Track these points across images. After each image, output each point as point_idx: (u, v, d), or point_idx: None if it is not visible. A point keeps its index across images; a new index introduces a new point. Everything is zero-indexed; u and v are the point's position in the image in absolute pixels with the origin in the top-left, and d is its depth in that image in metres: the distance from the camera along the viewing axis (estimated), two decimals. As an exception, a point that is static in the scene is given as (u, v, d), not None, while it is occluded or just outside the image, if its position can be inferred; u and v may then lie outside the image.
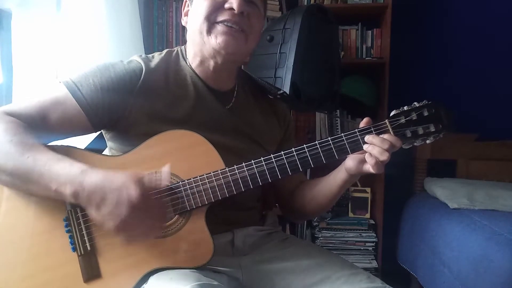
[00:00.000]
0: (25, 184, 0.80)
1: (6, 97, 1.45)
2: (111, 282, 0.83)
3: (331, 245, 2.16)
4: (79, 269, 0.83)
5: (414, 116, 0.90)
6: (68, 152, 0.87)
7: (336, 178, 1.00)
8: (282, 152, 0.90)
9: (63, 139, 0.94)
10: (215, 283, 0.80)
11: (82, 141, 1.06)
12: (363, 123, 0.91)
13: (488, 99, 2.34)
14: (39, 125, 0.87)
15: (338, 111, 2.23)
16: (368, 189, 2.23)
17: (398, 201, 2.23)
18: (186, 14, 1.05)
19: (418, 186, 2.26)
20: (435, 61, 2.41)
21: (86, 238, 0.84)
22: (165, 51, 1.06)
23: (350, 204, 2.24)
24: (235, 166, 0.89)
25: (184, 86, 1.00)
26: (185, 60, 1.04)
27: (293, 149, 0.90)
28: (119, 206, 0.74)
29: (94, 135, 1.06)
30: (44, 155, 0.79)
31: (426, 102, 0.91)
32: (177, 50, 1.06)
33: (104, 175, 0.77)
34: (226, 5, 0.94)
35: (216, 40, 0.95)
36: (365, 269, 1.11)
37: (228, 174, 0.88)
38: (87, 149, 0.98)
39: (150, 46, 2.19)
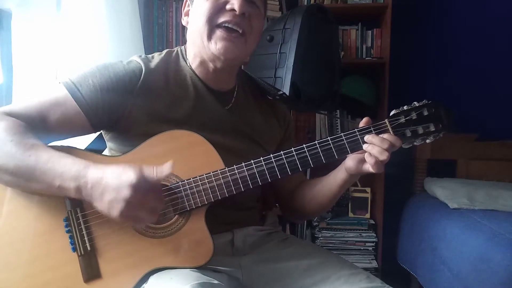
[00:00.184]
0: (28, 183, 0.80)
1: (6, 97, 1.45)
2: (111, 282, 0.84)
3: (331, 245, 2.16)
4: (79, 269, 0.83)
5: (414, 115, 0.90)
6: (68, 152, 0.87)
7: (336, 178, 1.00)
8: (282, 152, 0.90)
9: (63, 140, 0.94)
10: (215, 282, 0.80)
11: (82, 142, 1.06)
12: (362, 122, 0.92)
13: (488, 99, 2.34)
14: (39, 126, 0.87)
15: (338, 111, 2.23)
16: (368, 189, 2.23)
17: (398, 201, 2.22)
18: (187, 14, 1.05)
19: (418, 186, 2.26)
20: (435, 61, 2.41)
21: (86, 238, 0.84)
22: (165, 51, 1.06)
23: (350, 204, 2.23)
24: (234, 166, 0.89)
25: (184, 86, 1.00)
26: (185, 61, 1.04)
27: (292, 149, 0.90)
28: (120, 190, 0.74)
29: (94, 135, 1.06)
30: (46, 153, 0.80)
31: (426, 102, 0.91)
32: (177, 50, 1.06)
33: (105, 168, 0.78)
34: (228, 6, 0.94)
35: (215, 46, 0.95)
36: (365, 269, 1.11)
37: (228, 174, 0.89)
38: (87, 149, 0.99)
39: (150, 46, 2.19)
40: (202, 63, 1.01)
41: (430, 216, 1.90)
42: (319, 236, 2.17)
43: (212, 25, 0.95)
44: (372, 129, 0.90)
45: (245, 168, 0.89)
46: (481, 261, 1.40)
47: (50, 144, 0.89)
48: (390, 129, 0.89)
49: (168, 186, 0.88)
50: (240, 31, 0.96)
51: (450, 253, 1.60)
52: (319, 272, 0.93)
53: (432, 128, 0.90)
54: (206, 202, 0.88)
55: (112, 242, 0.85)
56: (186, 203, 0.87)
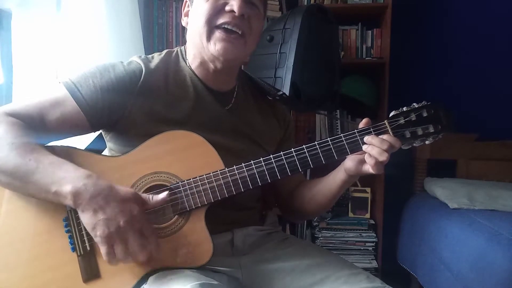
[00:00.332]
0: (24, 185, 0.80)
1: (6, 97, 1.45)
2: (111, 282, 0.83)
3: (331, 245, 2.16)
4: (78, 270, 0.83)
5: (413, 117, 0.90)
6: (68, 152, 0.87)
7: (336, 178, 1.00)
8: (282, 153, 0.90)
9: (63, 139, 0.94)
10: (215, 282, 0.80)
11: (82, 142, 1.06)
12: (362, 123, 0.92)
13: (488, 99, 2.34)
14: (39, 125, 0.87)
15: (338, 111, 2.23)
16: (368, 189, 2.23)
17: (398, 201, 2.23)
18: (186, 15, 1.05)
19: (418, 186, 2.26)
20: (435, 61, 2.41)
21: (85, 238, 0.84)
22: (164, 51, 1.06)
23: (350, 204, 2.23)
24: (234, 167, 0.89)
25: (183, 87, 1.00)
26: (184, 61, 1.04)
27: (292, 149, 0.90)
28: (118, 215, 0.75)
29: (94, 135, 1.06)
30: (46, 158, 0.80)
31: (425, 103, 0.91)
32: (177, 51, 1.06)
33: (112, 184, 0.78)
34: (227, 8, 0.94)
35: (215, 47, 0.95)
36: (365, 269, 1.11)
37: (228, 174, 0.89)
38: (87, 149, 0.98)
39: (150, 46, 2.19)
40: (202, 63, 1.01)
41: (430, 216, 1.90)
42: (319, 236, 2.17)
43: (211, 26, 0.95)
44: (371, 130, 0.90)
45: (245, 169, 0.89)
46: (481, 261, 1.40)
47: (50, 144, 0.89)
48: (389, 130, 0.89)
49: (168, 186, 0.88)
50: (240, 33, 0.96)
51: (450, 253, 1.61)
52: (319, 272, 0.93)
53: (431, 129, 0.90)
54: (206, 203, 0.88)
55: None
56: (186, 204, 0.87)
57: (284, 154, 0.90)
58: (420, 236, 1.92)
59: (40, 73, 1.41)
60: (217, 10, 0.95)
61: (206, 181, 0.88)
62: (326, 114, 2.16)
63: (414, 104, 0.91)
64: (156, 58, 1.02)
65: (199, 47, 0.99)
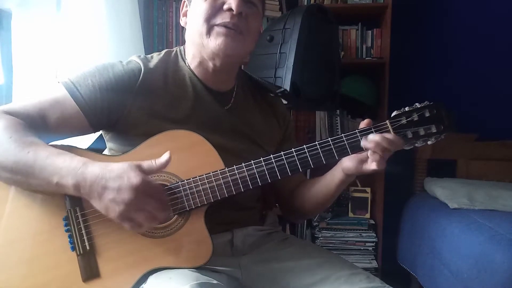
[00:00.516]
0: (26, 179, 0.80)
1: (6, 97, 1.45)
2: (110, 281, 0.83)
3: (331, 245, 2.16)
4: (78, 269, 0.83)
5: (415, 117, 0.90)
6: (68, 150, 0.87)
7: (334, 177, 1.00)
8: (282, 153, 0.90)
9: (62, 139, 0.94)
10: (215, 282, 0.80)
11: (82, 142, 1.06)
12: (363, 124, 0.91)
13: (488, 99, 2.34)
14: (38, 125, 0.87)
15: (338, 111, 2.23)
16: (368, 189, 2.23)
17: (398, 201, 2.22)
18: (185, 15, 1.05)
19: (418, 186, 2.26)
20: (435, 61, 2.40)
21: (85, 238, 0.84)
22: (164, 51, 1.06)
23: (350, 204, 2.23)
24: (234, 167, 0.89)
25: (183, 87, 1.00)
26: (184, 61, 1.04)
27: (293, 149, 0.90)
28: (121, 191, 0.74)
29: (95, 136, 1.06)
30: (44, 150, 0.80)
31: (428, 103, 0.91)
32: (176, 51, 1.06)
33: (104, 165, 0.77)
34: (225, 6, 0.94)
35: (215, 42, 0.95)
36: (365, 269, 1.11)
37: (228, 174, 0.88)
38: (87, 149, 0.98)
39: (150, 46, 2.19)
40: (201, 63, 1.01)
41: (430, 216, 1.90)
42: (319, 236, 2.17)
43: (210, 25, 0.95)
44: (373, 130, 0.90)
45: (245, 169, 0.89)
46: (481, 261, 1.40)
47: (50, 144, 0.89)
48: (391, 130, 0.89)
49: (168, 186, 0.88)
50: (238, 31, 0.96)
51: (450, 253, 1.60)
52: (319, 272, 0.93)
53: (434, 130, 0.90)
54: (205, 203, 0.88)
55: (111, 241, 0.85)
56: (186, 203, 0.87)
57: (285, 154, 0.89)
58: (420, 236, 1.92)
59: (40, 73, 1.41)
60: (216, 9, 0.95)
61: (206, 181, 0.88)
62: (327, 112, 2.15)
63: (416, 104, 0.91)
64: (155, 57, 1.02)
65: (198, 46, 0.99)
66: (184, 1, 1.05)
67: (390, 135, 0.88)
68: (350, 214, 2.23)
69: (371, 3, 2.16)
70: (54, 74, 1.45)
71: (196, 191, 0.87)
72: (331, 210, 2.19)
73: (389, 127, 0.89)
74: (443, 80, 2.39)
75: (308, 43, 1.53)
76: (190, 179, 0.88)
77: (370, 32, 2.23)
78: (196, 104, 0.99)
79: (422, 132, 0.90)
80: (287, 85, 1.45)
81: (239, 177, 0.88)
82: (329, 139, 0.90)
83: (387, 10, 2.10)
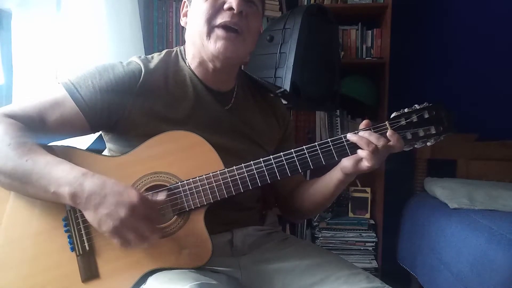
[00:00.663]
0: (23, 186, 0.80)
1: (6, 97, 1.45)
2: (109, 282, 0.83)
3: (331, 245, 2.16)
4: (77, 269, 0.83)
5: (414, 118, 0.90)
6: (67, 152, 0.87)
7: (332, 177, 1.00)
8: (282, 154, 0.90)
9: (62, 140, 0.94)
10: (214, 282, 0.80)
11: (82, 142, 1.06)
12: (362, 124, 0.92)
13: (488, 99, 2.34)
14: (38, 126, 0.87)
15: (338, 111, 2.23)
16: (368, 189, 2.23)
17: (398, 201, 2.22)
18: (185, 15, 1.05)
19: (418, 186, 2.26)
20: (435, 61, 2.40)
21: (85, 238, 0.84)
22: (164, 51, 1.06)
23: (350, 204, 2.23)
24: (234, 167, 0.89)
25: (183, 87, 1.00)
26: (184, 61, 1.04)
27: (292, 150, 0.90)
28: (118, 207, 0.75)
29: (94, 136, 1.06)
30: (43, 158, 0.80)
31: (427, 104, 0.91)
32: (176, 51, 1.06)
33: (106, 178, 0.78)
34: (225, 6, 0.94)
35: (215, 45, 0.95)
36: (365, 269, 1.11)
37: (227, 175, 0.88)
38: (87, 149, 0.98)
39: (150, 46, 2.19)
40: (201, 63, 1.01)
41: (430, 216, 1.90)
42: (319, 236, 2.17)
43: (211, 26, 0.95)
44: (372, 131, 0.90)
45: (244, 169, 0.89)
46: (481, 261, 1.40)
47: (50, 144, 0.89)
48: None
49: (167, 186, 0.88)
50: (238, 31, 0.96)
51: (450, 253, 1.61)
52: (319, 272, 0.93)
53: (433, 131, 0.90)
54: (205, 203, 0.88)
55: (110, 242, 0.84)
56: (185, 204, 0.87)
57: (284, 155, 0.89)
58: (420, 236, 1.92)
59: (40, 73, 1.41)
60: (217, 9, 0.95)
61: (205, 181, 0.88)
62: (327, 111, 2.15)
63: (415, 105, 0.91)
64: (156, 58, 1.02)
65: (198, 47, 0.99)
66: (185, 1, 1.05)
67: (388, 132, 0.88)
68: (350, 214, 2.23)
69: (371, 3, 2.16)
70: (54, 74, 1.45)
71: (195, 191, 0.87)
72: (331, 210, 2.19)
73: (389, 128, 0.89)
74: (443, 80, 2.39)
75: (308, 43, 1.53)
76: (189, 179, 0.88)
77: (370, 32, 2.23)
78: (197, 104, 0.99)
79: (421, 133, 0.90)
80: (287, 85, 1.45)
81: (239, 178, 0.88)
82: (329, 139, 0.90)
83: (387, 10, 2.10)
